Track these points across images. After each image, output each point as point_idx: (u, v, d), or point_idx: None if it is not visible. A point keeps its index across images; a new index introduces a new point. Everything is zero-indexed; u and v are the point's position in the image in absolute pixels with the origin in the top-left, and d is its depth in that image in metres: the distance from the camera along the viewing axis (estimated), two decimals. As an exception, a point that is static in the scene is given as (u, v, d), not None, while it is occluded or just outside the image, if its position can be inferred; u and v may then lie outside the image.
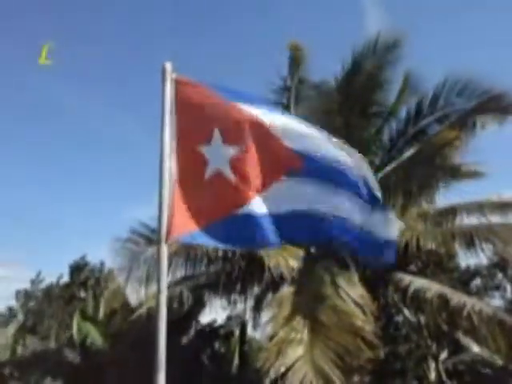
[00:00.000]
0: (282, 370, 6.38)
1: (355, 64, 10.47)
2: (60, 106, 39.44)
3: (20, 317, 15.93)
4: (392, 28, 10.46)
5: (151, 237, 9.57)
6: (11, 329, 14.86)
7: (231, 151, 3.29)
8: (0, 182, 38.55)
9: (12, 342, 14.52)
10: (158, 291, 3.10)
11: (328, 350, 6.70)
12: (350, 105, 10.40)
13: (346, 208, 3.41)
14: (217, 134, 3.30)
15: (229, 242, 3.39)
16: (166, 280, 3.16)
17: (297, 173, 3.33)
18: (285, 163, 3.33)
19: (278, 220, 3.31)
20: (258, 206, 3.27)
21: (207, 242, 3.37)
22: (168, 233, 3.15)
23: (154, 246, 9.39)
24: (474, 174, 10.09)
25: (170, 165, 3.24)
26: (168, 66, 3.41)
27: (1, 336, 14.63)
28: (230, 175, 3.26)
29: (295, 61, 11.08)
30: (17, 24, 33.77)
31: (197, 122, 3.36)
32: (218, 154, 3.29)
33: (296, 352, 6.66)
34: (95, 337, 12.38)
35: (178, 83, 3.40)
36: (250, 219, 3.25)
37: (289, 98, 11.22)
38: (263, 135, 3.32)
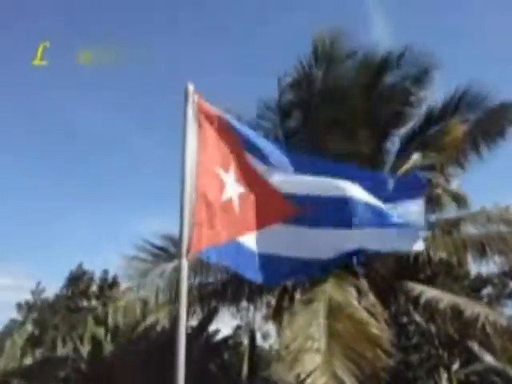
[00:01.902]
0: (303, 376, 6.22)
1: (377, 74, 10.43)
2: (61, 116, 39.55)
3: (28, 328, 15.88)
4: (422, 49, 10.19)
5: (159, 254, 9.68)
6: (19, 339, 14.81)
7: (239, 189, 3.69)
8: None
9: (20, 352, 14.47)
10: (180, 305, 3.09)
11: (346, 359, 6.57)
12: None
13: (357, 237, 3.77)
14: (232, 170, 3.69)
15: (232, 264, 3.72)
16: (186, 294, 3.15)
17: (293, 219, 3.74)
18: (280, 211, 3.75)
19: (267, 259, 3.66)
20: (251, 241, 3.65)
21: (220, 260, 3.63)
22: (189, 247, 3.19)
23: (161, 264, 9.63)
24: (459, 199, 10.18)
25: (191, 182, 3.32)
26: (190, 87, 3.43)
27: (8, 346, 14.58)
28: (237, 208, 3.64)
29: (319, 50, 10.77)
30: (16, 24, 33.78)
31: (217, 149, 3.63)
32: (232, 186, 3.66)
33: (314, 360, 6.45)
34: (105, 346, 12.35)
35: (199, 110, 3.51)
36: (243, 249, 3.63)
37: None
38: (263, 186, 3.78)
